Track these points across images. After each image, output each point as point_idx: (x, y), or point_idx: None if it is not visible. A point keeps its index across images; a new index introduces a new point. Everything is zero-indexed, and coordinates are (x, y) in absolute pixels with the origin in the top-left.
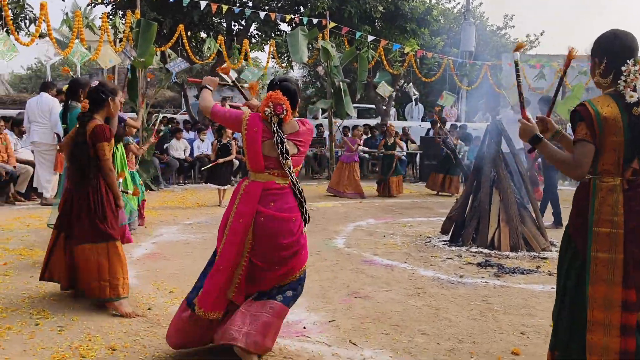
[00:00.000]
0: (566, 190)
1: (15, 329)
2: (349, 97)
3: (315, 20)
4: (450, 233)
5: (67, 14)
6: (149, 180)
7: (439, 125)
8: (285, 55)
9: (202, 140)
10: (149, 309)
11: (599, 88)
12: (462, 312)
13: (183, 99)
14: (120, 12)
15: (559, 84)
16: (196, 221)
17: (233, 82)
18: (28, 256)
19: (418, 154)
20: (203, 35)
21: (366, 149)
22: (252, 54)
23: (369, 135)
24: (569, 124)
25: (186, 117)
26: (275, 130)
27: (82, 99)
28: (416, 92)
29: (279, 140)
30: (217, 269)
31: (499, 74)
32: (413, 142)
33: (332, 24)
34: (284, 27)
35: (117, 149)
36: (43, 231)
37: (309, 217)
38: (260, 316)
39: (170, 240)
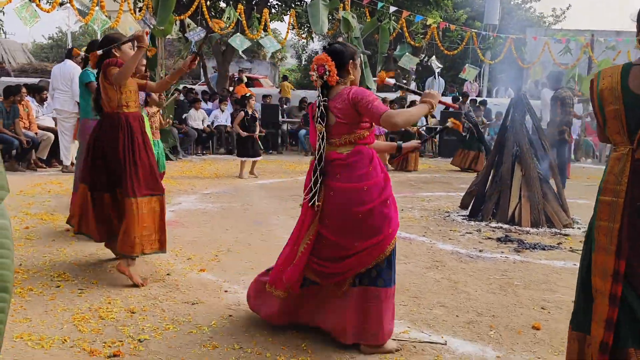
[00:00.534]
0: (588, 167)
1: (37, 291)
2: (369, 69)
3: None
4: (469, 208)
5: None
6: (167, 150)
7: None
8: (306, 25)
9: (222, 111)
10: (167, 274)
11: None
12: (481, 285)
13: (202, 70)
14: None
15: None
16: (214, 191)
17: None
18: (49, 220)
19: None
20: (222, 4)
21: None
22: (272, 25)
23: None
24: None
25: (205, 87)
26: (318, 94)
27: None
28: (440, 65)
29: (316, 104)
30: (286, 244)
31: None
32: (433, 116)
33: None
34: None
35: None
36: (63, 197)
37: (318, 196)
38: (369, 308)
39: (189, 209)
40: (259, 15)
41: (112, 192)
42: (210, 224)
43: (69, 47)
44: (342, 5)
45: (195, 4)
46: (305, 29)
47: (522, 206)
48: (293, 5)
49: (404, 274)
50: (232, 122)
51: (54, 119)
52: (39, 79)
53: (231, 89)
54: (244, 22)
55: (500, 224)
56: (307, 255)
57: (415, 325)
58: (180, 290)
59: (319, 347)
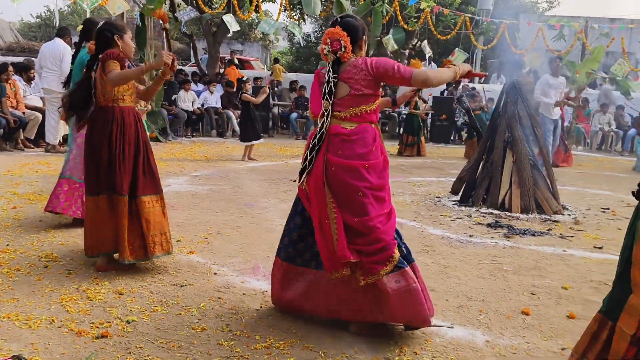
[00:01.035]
0: (578, 155)
1: (24, 271)
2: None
3: None
4: (460, 193)
5: None
6: (157, 132)
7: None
8: (298, 7)
9: (212, 92)
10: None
11: None
12: (471, 270)
13: (192, 51)
14: None
15: None
16: (204, 173)
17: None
18: (37, 201)
19: (429, 114)
20: None
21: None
22: (264, 6)
23: (383, 95)
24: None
25: (195, 69)
26: (328, 69)
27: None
28: (430, 50)
29: (325, 80)
30: (314, 231)
31: (517, 34)
32: (425, 101)
33: None
34: None
35: None
36: (51, 177)
37: (310, 169)
38: (405, 293)
39: (178, 191)
40: None
41: (117, 194)
42: (200, 207)
43: (57, 25)
44: None
45: None
46: (297, 11)
47: (512, 192)
48: None
49: None
50: (224, 104)
51: (42, 98)
52: (25, 58)
53: (222, 70)
54: (235, 2)
55: (490, 210)
56: (343, 230)
57: None
58: (169, 273)
59: (308, 329)
